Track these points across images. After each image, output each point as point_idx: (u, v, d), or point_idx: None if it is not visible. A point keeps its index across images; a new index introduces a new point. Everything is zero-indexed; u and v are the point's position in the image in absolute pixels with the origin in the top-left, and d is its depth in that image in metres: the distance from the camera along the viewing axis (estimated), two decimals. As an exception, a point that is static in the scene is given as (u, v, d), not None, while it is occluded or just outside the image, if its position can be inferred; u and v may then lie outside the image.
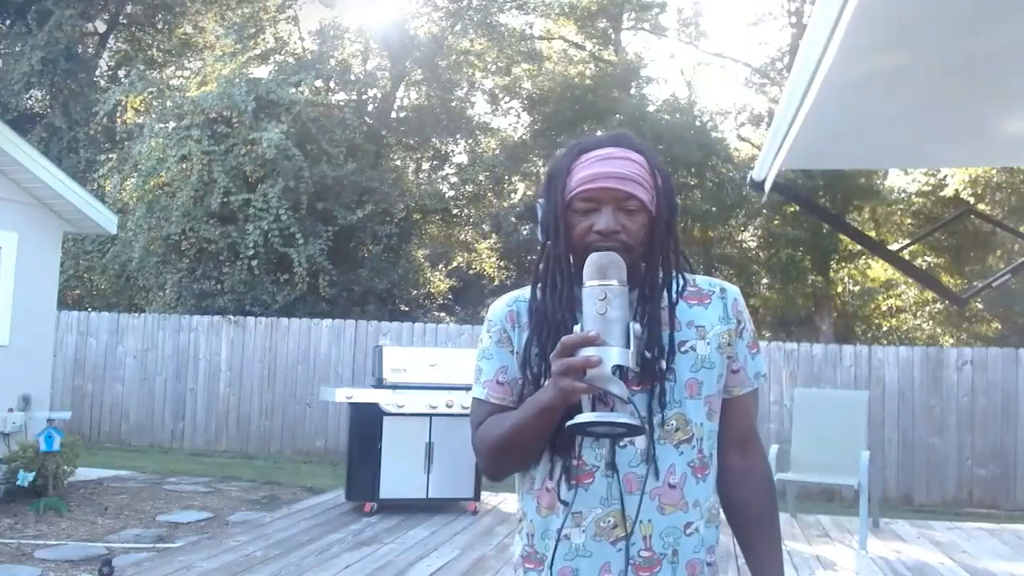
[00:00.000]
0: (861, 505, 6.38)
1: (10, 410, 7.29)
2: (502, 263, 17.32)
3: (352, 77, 14.94)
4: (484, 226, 17.16)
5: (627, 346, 1.31)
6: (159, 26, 17.94)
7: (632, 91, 17.79)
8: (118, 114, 15.86)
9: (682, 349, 1.47)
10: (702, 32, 22.53)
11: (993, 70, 2.49)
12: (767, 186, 3.59)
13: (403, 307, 14.39)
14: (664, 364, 1.45)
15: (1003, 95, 2.79)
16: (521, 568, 1.53)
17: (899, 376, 9.18)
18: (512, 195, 17.93)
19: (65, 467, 7.07)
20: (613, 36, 19.52)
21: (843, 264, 17.31)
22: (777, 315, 17.44)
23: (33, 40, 15.17)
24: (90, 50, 17.20)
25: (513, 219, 16.87)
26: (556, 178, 1.49)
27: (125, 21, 18.10)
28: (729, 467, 1.55)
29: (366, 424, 6.97)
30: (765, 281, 18.10)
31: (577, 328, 1.36)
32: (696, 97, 19.80)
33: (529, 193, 17.90)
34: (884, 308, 18.08)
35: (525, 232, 17.57)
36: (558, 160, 1.52)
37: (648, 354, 1.42)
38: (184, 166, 12.61)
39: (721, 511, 1.56)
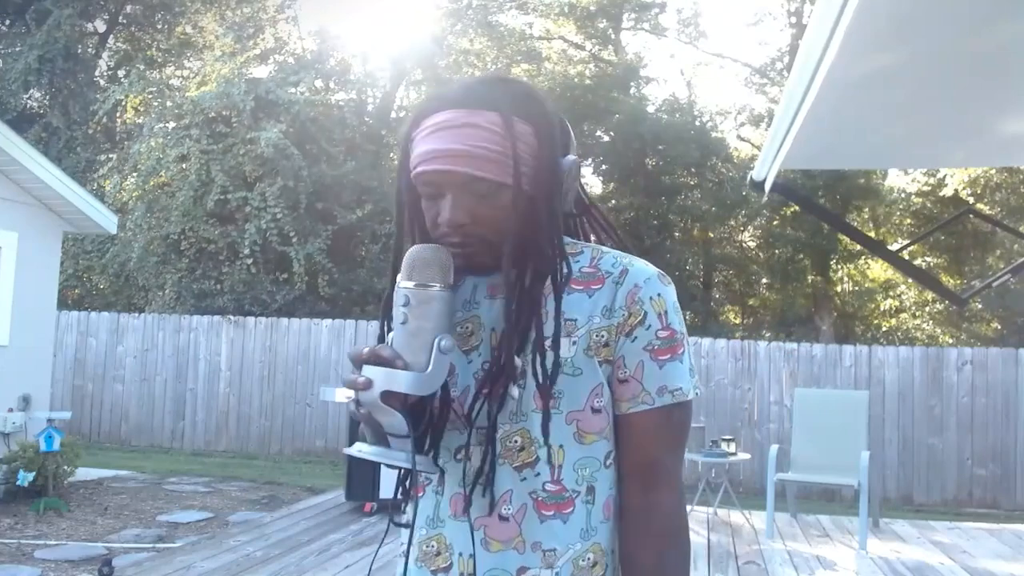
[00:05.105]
0: (861, 505, 6.38)
1: (10, 410, 7.29)
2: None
3: (352, 77, 14.95)
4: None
5: (427, 367, 1.07)
6: (159, 26, 17.95)
7: (632, 91, 17.79)
8: (118, 114, 15.87)
9: (536, 349, 1.15)
10: (702, 32, 22.63)
11: (993, 70, 2.49)
12: (767, 186, 3.59)
13: (403, 307, 14.38)
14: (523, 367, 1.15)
15: (1003, 95, 2.79)
16: None
17: (899, 376, 9.17)
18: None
19: (65, 467, 7.06)
20: (613, 36, 19.52)
21: (843, 264, 17.32)
22: (777, 315, 17.44)
23: (31, 39, 15.18)
24: (90, 50, 17.19)
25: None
26: (401, 151, 1.21)
27: (125, 21, 18.11)
28: (625, 507, 1.19)
29: (366, 424, 6.96)
30: (765, 281, 18.11)
31: (390, 337, 1.12)
32: (696, 97, 19.83)
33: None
34: (884, 308, 18.09)
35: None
36: (404, 127, 1.21)
37: (539, 362, 1.14)
38: (183, 166, 12.62)
39: (617, 573, 1.20)
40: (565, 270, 1.16)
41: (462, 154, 1.11)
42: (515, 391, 1.13)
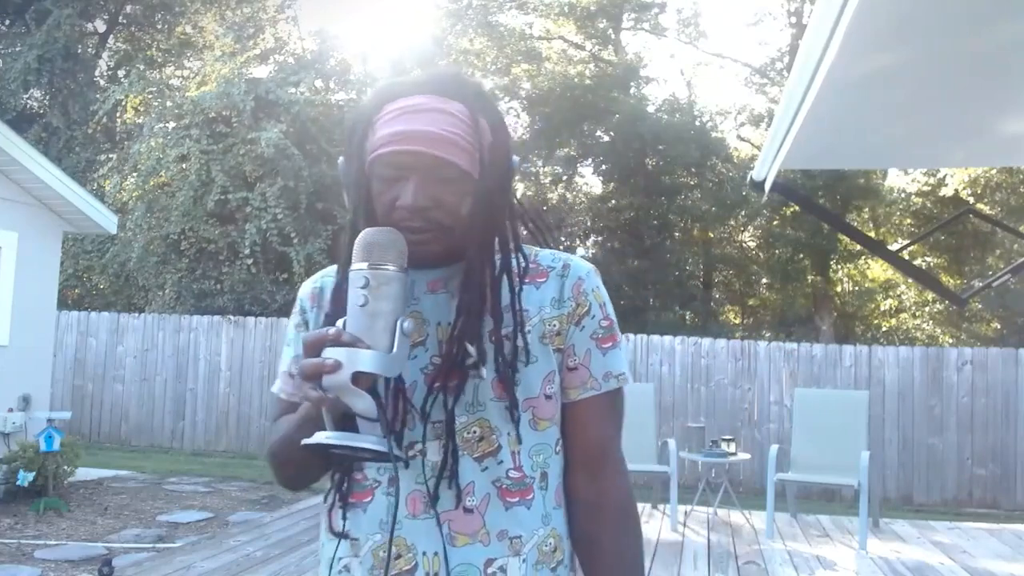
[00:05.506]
0: (861, 505, 6.38)
1: (10, 410, 7.29)
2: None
3: (352, 77, 14.96)
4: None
5: (390, 348, 1.05)
6: (159, 26, 17.97)
7: (632, 91, 17.81)
8: (118, 114, 15.89)
9: (492, 339, 1.16)
10: (702, 32, 22.63)
11: (993, 70, 2.49)
12: (767, 186, 3.59)
13: (403, 307, 14.40)
14: (471, 358, 1.14)
15: (1003, 95, 2.79)
16: None
17: (899, 376, 9.17)
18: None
19: (65, 467, 7.07)
20: (613, 36, 19.53)
21: (843, 264, 17.33)
22: (777, 315, 17.46)
23: (31, 39, 15.19)
24: (90, 50, 17.21)
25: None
26: (356, 133, 1.17)
27: (125, 21, 18.12)
28: (575, 495, 1.22)
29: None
30: (765, 281, 18.12)
31: (342, 322, 1.09)
32: (696, 97, 19.86)
33: (529, 194, 17.91)
34: (884, 308, 18.10)
35: (523, 232, 17.54)
36: (361, 109, 1.20)
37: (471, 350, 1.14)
38: (183, 166, 12.64)
39: (573, 559, 1.24)
40: (522, 262, 1.22)
41: (435, 137, 1.11)
42: (484, 371, 1.15)
